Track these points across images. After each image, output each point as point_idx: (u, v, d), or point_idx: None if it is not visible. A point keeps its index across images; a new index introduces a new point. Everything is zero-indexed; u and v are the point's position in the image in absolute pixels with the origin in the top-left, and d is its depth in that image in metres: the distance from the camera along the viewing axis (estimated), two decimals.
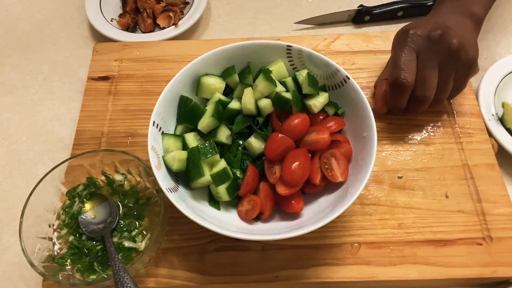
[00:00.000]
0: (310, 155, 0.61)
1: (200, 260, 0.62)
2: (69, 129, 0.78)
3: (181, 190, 0.59)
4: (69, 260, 0.58)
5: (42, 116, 0.82)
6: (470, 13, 0.69)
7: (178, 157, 0.59)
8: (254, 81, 0.66)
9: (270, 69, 0.66)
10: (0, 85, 0.86)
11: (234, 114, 0.65)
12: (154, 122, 0.60)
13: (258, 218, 0.60)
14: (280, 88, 0.65)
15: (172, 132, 0.65)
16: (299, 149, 0.60)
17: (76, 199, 0.62)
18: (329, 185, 0.61)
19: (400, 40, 0.67)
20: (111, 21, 0.93)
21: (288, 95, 0.64)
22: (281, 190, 0.57)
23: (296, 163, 0.58)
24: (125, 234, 0.60)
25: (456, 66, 0.64)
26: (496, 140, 0.71)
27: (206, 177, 0.59)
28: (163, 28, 0.91)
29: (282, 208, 0.60)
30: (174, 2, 0.93)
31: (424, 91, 0.65)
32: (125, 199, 0.62)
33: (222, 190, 0.59)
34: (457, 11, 0.70)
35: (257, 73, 0.67)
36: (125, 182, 0.64)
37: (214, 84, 0.66)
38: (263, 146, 0.62)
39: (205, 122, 0.62)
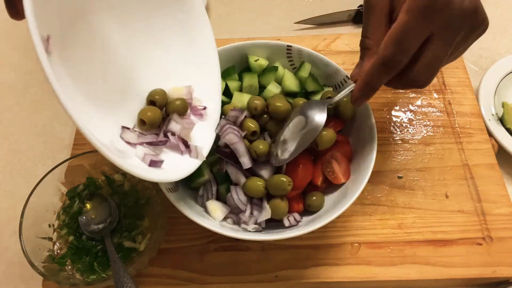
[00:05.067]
0: (312, 157, 0.61)
1: (200, 260, 0.62)
2: (69, 129, 0.78)
3: (181, 190, 0.59)
4: (69, 260, 0.58)
5: (42, 116, 0.82)
6: None
7: None
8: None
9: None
10: (0, 85, 0.86)
11: None
12: None
13: None
14: (276, 90, 0.65)
15: None
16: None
17: (76, 199, 0.62)
18: (329, 186, 0.61)
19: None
20: None
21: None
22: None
23: (299, 167, 0.58)
24: (125, 234, 0.60)
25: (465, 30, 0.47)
26: (496, 140, 0.71)
27: (206, 177, 0.59)
28: None
29: None
30: None
31: (427, 77, 0.48)
32: (125, 199, 0.62)
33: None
34: None
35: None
36: (125, 182, 0.64)
37: None
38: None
39: None
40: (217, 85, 0.60)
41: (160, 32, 0.58)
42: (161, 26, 0.58)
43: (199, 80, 0.60)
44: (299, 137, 0.55)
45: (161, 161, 0.52)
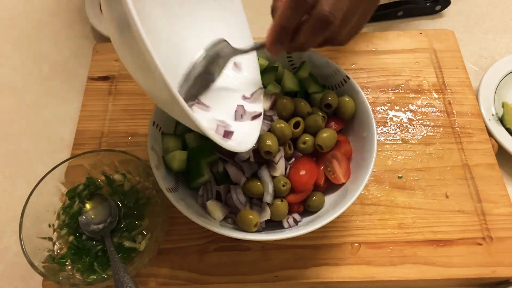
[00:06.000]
0: (314, 158, 0.61)
1: (200, 260, 0.62)
2: (69, 129, 0.78)
3: (181, 190, 0.59)
4: (69, 260, 0.58)
5: (42, 116, 0.82)
6: None
7: (178, 157, 0.59)
8: None
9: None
10: (0, 85, 0.86)
11: None
12: (154, 122, 0.60)
13: None
14: (275, 90, 0.65)
15: (172, 132, 0.65)
16: (304, 157, 0.60)
17: (76, 199, 0.62)
18: (330, 186, 0.61)
19: None
20: None
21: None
22: (291, 198, 0.57)
23: (303, 170, 0.58)
24: (125, 234, 0.60)
25: None
26: (496, 140, 0.71)
27: (206, 177, 0.59)
28: None
29: None
30: None
31: (332, 7, 0.46)
32: (125, 199, 0.62)
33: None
34: None
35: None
36: (125, 182, 0.64)
37: None
38: None
39: None
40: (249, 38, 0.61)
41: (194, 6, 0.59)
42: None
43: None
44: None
45: (232, 132, 0.52)
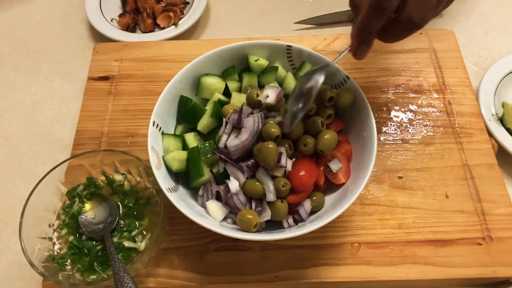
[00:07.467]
0: (314, 159, 0.61)
1: (200, 260, 0.62)
2: (69, 129, 0.78)
3: (181, 190, 0.59)
4: (69, 260, 0.58)
5: (42, 116, 0.82)
6: None
7: (178, 157, 0.59)
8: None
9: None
10: (0, 85, 0.86)
11: None
12: (154, 122, 0.60)
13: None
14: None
15: (172, 132, 0.65)
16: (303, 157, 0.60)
17: (76, 199, 0.62)
18: (330, 186, 0.61)
19: None
20: (111, 21, 0.93)
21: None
22: (291, 199, 0.57)
23: (303, 171, 0.58)
24: (125, 234, 0.60)
25: None
26: (496, 140, 0.71)
27: (206, 177, 0.59)
28: (163, 28, 0.91)
29: None
30: (174, 2, 0.93)
31: (421, 14, 0.49)
32: (125, 199, 0.62)
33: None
34: None
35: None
36: (125, 182, 0.64)
37: (214, 84, 0.66)
38: None
39: (204, 122, 0.62)
40: None
41: None
42: None
43: None
44: (302, 100, 0.56)
45: None
